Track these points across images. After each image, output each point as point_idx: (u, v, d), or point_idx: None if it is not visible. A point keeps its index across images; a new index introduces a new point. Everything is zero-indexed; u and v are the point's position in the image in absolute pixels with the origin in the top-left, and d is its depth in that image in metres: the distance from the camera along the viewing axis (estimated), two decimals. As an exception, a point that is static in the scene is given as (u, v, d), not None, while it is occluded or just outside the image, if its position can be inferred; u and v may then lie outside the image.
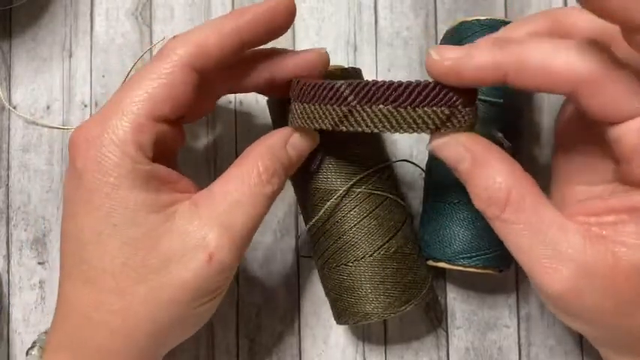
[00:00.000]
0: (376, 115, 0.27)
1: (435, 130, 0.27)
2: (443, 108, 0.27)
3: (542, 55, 0.25)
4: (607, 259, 0.24)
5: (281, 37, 0.40)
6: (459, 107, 0.27)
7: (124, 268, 0.27)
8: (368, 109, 0.27)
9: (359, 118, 0.27)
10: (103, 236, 0.27)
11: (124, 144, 0.27)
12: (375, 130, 0.27)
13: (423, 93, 0.27)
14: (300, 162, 0.32)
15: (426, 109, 0.27)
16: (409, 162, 0.38)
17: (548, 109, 0.39)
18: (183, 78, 0.28)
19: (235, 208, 0.28)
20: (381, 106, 0.27)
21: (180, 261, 0.27)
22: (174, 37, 0.29)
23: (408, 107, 0.27)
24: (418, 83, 0.27)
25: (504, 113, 0.34)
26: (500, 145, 0.28)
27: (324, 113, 0.28)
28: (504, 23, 0.33)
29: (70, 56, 0.41)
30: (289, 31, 0.40)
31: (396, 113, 0.27)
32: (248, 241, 0.29)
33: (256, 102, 0.40)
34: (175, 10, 0.40)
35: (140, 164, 0.27)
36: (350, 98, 0.27)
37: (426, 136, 0.39)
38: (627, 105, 0.24)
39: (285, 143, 0.30)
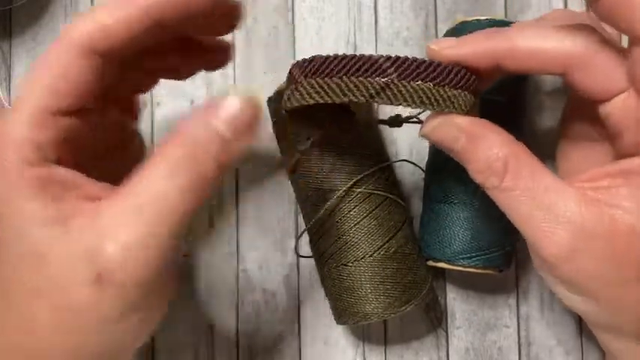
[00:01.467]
0: (415, 91, 0.27)
1: (465, 113, 0.27)
2: (471, 94, 0.28)
3: (531, 38, 0.26)
4: (604, 221, 0.25)
5: (280, 36, 0.40)
6: (477, 98, 0.28)
7: (20, 288, 0.24)
8: (407, 84, 0.27)
9: (396, 92, 0.27)
10: (0, 253, 0.24)
11: (18, 144, 0.24)
12: (413, 106, 0.27)
13: (459, 75, 0.27)
14: (241, 145, 0.25)
15: (460, 91, 0.27)
16: (409, 162, 0.38)
17: (549, 107, 0.39)
18: (81, 64, 0.24)
19: (138, 214, 0.23)
20: (420, 82, 0.27)
21: (68, 283, 0.23)
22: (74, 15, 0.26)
23: (446, 87, 0.27)
24: (453, 66, 0.27)
25: (506, 112, 0.34)
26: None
27: (355, 85, 0.27)
28: (504, 23, 0.34)
29: (70, 56, 0.41)
30: (289, 30, 0.40)
31: (434, 91, 0.27)
32: (162, 253, 0.24)
33: (256, 102, 0.40)
34: (175, 10, 0.40)
35: (36, 167, 0.24)
36: (390, 71, 0.27)
37: (426, 136, 0.39)
38: (614, 81, 0.26)
39: (215, 127, 0.25)
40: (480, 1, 0.40)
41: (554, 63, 0.26)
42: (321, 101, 0.28)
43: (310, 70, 0.28)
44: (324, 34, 0.40)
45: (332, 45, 0.40)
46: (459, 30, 0.35)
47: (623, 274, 0.25)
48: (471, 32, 0.34)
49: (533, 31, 0.27)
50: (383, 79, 0.27)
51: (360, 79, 0.27)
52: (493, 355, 0.38)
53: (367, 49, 0.40)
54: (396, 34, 0.40)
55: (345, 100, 0.27)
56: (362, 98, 0.27)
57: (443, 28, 0.39)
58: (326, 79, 0.27)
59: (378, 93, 0.27)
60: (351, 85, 0.27)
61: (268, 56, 0.40)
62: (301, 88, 0.28)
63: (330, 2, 0.40)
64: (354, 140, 0.34)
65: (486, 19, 0.34)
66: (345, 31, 0.40)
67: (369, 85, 0.27)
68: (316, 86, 0.28)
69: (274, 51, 0.40)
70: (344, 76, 0.27)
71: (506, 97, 0.34)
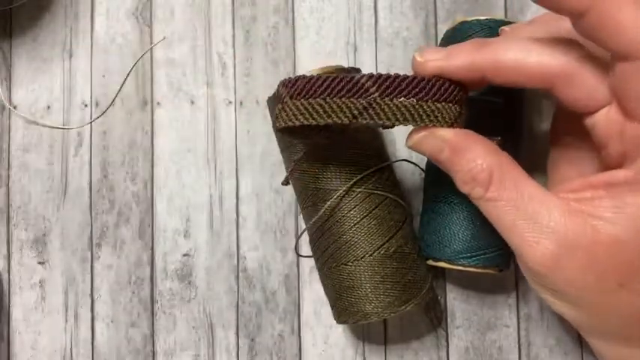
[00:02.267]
0: (398, 108, 0.27)
1: (450, 126, 0.27)
2: (457, 105, 0.28)
3: (515, 54, 0.26)
4: (586, 232, 0.25)
5: (280, 36, 0.40)
6: (464, 108, 0.28)
7: None
8: (389, 102, 0.27)
9: (379, 111, 0.27)
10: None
11: None
12: (396, 123, 0.27)
13: (442, 88, 0.27)
14: None
15: (443, 104, 0.27)
16: (409, 162, 0.38)
17: (547, 109, 0.39)
18: None
19: None
20: (402, 98, 0.27)
21: None
22: None
23: (429, 101, 0.27)
24: (438, 79, 0.27)
25: (502, 113, 0.34)
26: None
27: (338, 106, 0.27)
28: (504, 23, 0.34)
29: (71, 56, 0.41)
30: (289, 30, 0.40)
31: (417, 106, 0.27)
32: None
33: (256, 102, 0.40)
34: (175, 10, 0.41)
35: None
36: (372, 90, 0.27)
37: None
38: (597, 95, 0.26)
39: None
40: (480, 1, 0.40)
41: (538, 78, 0.26)
42: (306, 123, 0.28)
43: (295, 90, 0.28)
44: (324, 34, 0.40)
45: (332, 45, 0.40)
46: (459, 30, 0.35)
47: (606, 283, 0.26)
48: (470, 33, 0.34)
49: (518, 46, 0.26)
50: (365, 99, 0.27)
51: (343, 99, 0.27)
52: (493, 354, 0.38)
53: (367, 49, 0.40)
54: (396, 34, 0.40)
55: (330, 121, 0.28)
56: (345, 120, 0.27)
57: (443, 28, 0.39)
58: (310, 99, 0.28)
59: (360, 113, 0.27)
60: (335, 107, 0.27)
61: (268, 56, 0.40)
62: (287, 109, 0.29)
63: (330, 2, 0.40)
64: (349, 142, 0.34)
65: (486, 19, 0.34)
66: (345, 31, 0.40)
67: (352, 106, 0.27)
68: (301, 108, 0.28)
69: (274, 51, 0.40)
70: (327, 97, 0.27)
71: (503, 99, 0.34)
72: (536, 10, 0.39)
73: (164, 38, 0.40)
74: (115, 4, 0.41)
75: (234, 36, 0.40)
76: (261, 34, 0.40)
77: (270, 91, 0.39)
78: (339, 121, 0.27)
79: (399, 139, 0.39)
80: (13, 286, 0.40)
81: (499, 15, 0.40)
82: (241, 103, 0.40)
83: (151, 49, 0.40)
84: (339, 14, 0.40)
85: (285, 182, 0.35)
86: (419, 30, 0.40)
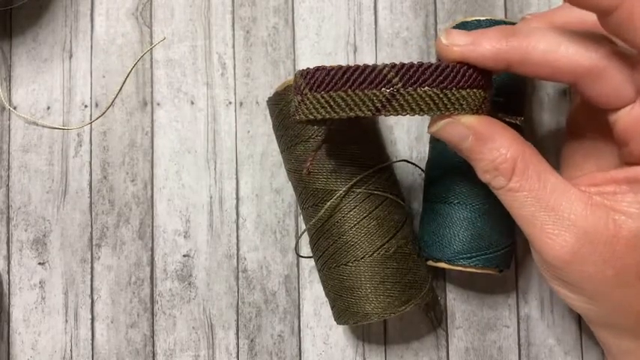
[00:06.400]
0: (422, 98, 0.26)
1: (475, 113, 0.27)
2: (481, 91, 0.27)
3: (544, 47, 0.26)
4: (608, 226, 0.25)
5: (280, 36, 0.40)
6: (489, 92, 0.28)
7: None
8: (413, 92, 0.26)
9: (402, 102, 0.26)
10: None
11: None
12: (420, 114, 0.26)
13: (467, 75, 0.27)
14: None
15: (468, 90, 0.27)
16: (409, 162, 0.38)
17: (548, 107, 0.39)
18: None
19: None
20: (426, 87, 0.26)
21: None
22: None
23: (453, 89, 0.26)
24: (462, 66, 0.27)
25: (504, 112, 0.34)
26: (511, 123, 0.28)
27: (361, 99, 0.26)
28: (504, 23, 0.34)
29: (71, 56, 0.41)
30: (289, 31, 0.40)
31: (442, 95, 0.26)
32: None
33: (256, 103, 0.40)
34: (175, 10, 0.41)
35: None
36: (394, 80, 0.26)
37: (426, 137, 0.39)
38: (623, 92, 0.26)
39: None
40: (480, 1, 0.40)
41: (566, 73, 0.26)
42: (328, 116, 0.27)
43: (315, 82, 0.27)
44: (324, 35, 0.40)
45: (332, 45, 0.40)
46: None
47: (625, 277, 0.26)
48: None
49: (547, 39, 0.26)
50: (388, 90, 0.26)
51: (365, 91, 0.26)
52: (493, 355, 0.38)
53: (367, 49, 0.40)
54: (396, 34, 0.40)
55: (352, 115, 0.27)
56: (368, 113, 0.26)
57: (443, 28, 0.39)
58: (331, 92, 0.27)
59: (384, 105, 0.26)
60: (357, 100, 0.26)
61: (268, 56, 0.40)
62: (308, 102, 0.28)
63: (330, 2, 0.40)
64: (354, 141, 0.34)
65: (486, 19, 0.34)
66: (345, 31, 0.40)
67: (375, 98, 0.26)
68: (322, 101, 0.27)
69: (274, 51, 0.40)
70: (349, 89, 0.27)
71: (505, 97, 0.34)
72: (536, 10, 0.39)
73: (164, 38, 0.40)
74: (115, 4, 0.41)
75: (234, 36, 0.40)
76: (261, 35, 0.40)
77: (271, 92, 0.39)
78: (362, 114, 0.27)
79: (399, 139, 0.39)
80: (13, 286, 0.40)
81: (499, 15, 0.40)
82: (241, 103, 0.40)
83: (151, 49, 0.40)
84: (339, 14, 0.40)
85: (307, 172, 0.34)
86: (419, 30, 0.40)
